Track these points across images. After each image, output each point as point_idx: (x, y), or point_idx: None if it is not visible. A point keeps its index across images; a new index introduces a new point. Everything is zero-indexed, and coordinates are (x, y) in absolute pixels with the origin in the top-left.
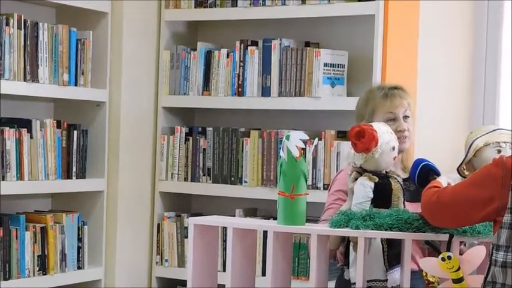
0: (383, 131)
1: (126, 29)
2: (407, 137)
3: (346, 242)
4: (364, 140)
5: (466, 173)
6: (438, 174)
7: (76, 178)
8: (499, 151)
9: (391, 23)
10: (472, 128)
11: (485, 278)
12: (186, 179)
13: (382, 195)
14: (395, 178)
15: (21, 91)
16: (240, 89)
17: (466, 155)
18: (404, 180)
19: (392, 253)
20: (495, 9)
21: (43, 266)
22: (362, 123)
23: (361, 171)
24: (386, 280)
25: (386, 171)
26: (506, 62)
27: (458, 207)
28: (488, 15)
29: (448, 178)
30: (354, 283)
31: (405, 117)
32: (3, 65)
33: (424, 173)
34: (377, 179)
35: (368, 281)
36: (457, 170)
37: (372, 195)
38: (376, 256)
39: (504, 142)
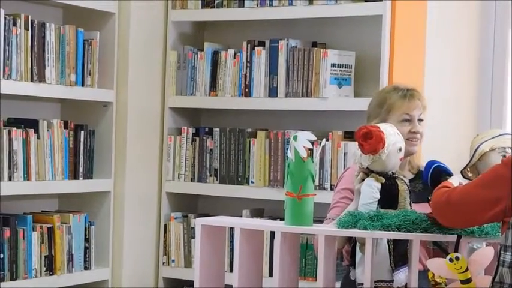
0: (390, 132)
1: (133, 29)
2: (419, 139)
3: (352, 241)
4: (371, 142)
5: (470, 175)
6: (450, 175)
7: (83, 178)
8: (504, 156)
9: (398, 23)
10: (479, 128)
11: (493, 278)
12: (192, 180)
13: (388, 196)
14: (402, 179)
15: (28, 91)
16: (247, 90)
17: (471, 159)
18: (410, 180)
19: (398, 254)
20: (503, 9)
21: (50, 267)
22: (369, 125)
23: (367, 172)
24: (392, 281)
25: (392, 172)
26: None
27: (466, 207)
28: (495, 16)
29: (460, 178)
30: (360, 284)
31: (420, 120)
32: (10, 65)
33: (437, 174)
34: (384, 180)
35: (374, 282)
36: (461, 172)
37: (378, 196)
38: (382, 257)
39: (510, 148)
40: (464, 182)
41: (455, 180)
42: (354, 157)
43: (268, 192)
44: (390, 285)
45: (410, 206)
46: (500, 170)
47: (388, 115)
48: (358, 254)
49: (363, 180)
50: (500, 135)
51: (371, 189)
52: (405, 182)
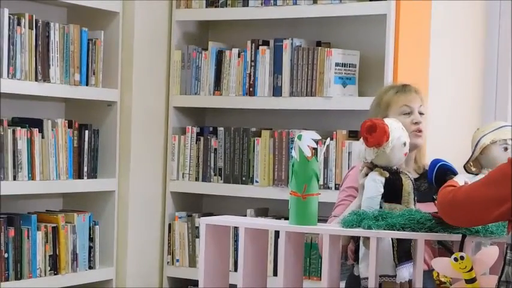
0: (394, 127)
1: (137, 28)
2: (422, 131)
3: (357, 239)
4: (375, 135)
5: (473, 169)
6: (455, 174)
7: (87, 178)
8: (506, 148)
9: (402, 22)
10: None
11: (499, 278)
12: (197, 179)
13: (392, 191)
14: (406, 174)
15: (32, 91)
16: (251, 89)
17: (473, 153)
18: (415, 179)
19: (402, 249)
20: (507, 8)
21: (54, 266)
22: (374, 118)
23: (372, 167)
24: (395, 276)
25: (397, 168)
26: None
27: (472, 206)
28: (500, 15)
29: (465, 177)
30: (364, 278)
31: (420, 113)
32: (15, 64)
33: (441, 173)
34: (388, 174)
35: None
36: (464, 167)
37: (382, 190)
38: (385, 252)
39: (511, 139)
40: (470, 180)
41: (461, 179)
42: (359, 153)
43: (273, 191)
44: (393, 280)
45: (415, 201)
46: (506, 168)
47: (387, 111)
48: (362, 249)
49: (367, 174)
50: (500, 127)
51: (375, 183)
52: (409, 177)
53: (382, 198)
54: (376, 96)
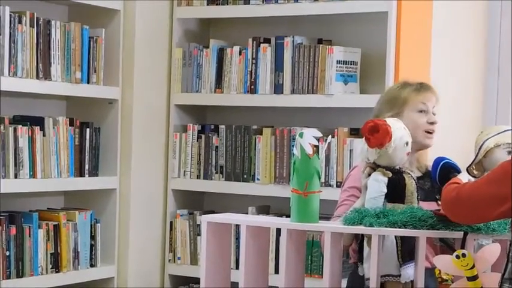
0: (397, 127)
1: (138, 26)
2: (434, 132)
3: (360, 238)
4: (377, 135)
5: (476, 172)
6: (459, 172)
7: (89, 176)
8: (510, 152)
9: (404, 20)
10: (484, 126)
11: (503, 275)
12: (198, 177)
13: (395, 190)
14: (409, 173)
15: (33, 89)
16: (252, 87)
17: (476, 156)
18: (418, 178)
19: (406, 249)
20: (508, 8)
21: (56, 264)
22: (376, 119)
23: (374, 167)
24: (399, 275)
25: (399, 167)
26: None
27: (475, 203)
28: (501, 14)
29: (468, 175)
30: (368, 278)
31: (432, 113)
32: (16, 62)
33: (445, 171)
34: (390, 174)
35: (381, 276)
36: (467, 170)
37: (385, 190)
38: (389, 252)
39: None
40: (473, 179)
41: (465, 177)
42: (361, 152)
43: (274, 189)
44: (398, 280)
45: (418, 201)
46: (509, 166)
47: (402, 108)
48: (366, 249)
49: (369, 174)
50: (504, 131)
51: (378, 184)
52: (412, 177)
53: (385, 198)
54: (388, 93)
